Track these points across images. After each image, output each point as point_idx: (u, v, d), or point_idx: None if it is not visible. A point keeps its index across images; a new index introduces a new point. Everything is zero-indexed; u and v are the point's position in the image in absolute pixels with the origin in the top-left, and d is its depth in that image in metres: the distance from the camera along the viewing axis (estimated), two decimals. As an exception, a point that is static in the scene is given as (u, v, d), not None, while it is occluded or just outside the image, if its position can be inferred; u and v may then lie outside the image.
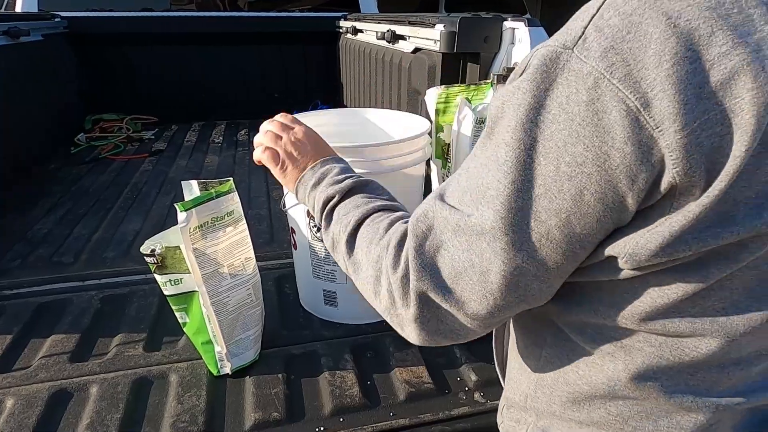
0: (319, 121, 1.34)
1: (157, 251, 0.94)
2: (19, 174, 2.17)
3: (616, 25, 0.39)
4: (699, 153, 0.37)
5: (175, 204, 0.92)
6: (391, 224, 0.59)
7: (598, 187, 0.40)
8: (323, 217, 0.69)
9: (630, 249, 0.42)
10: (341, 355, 1.11)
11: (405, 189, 1.15)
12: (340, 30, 3.03)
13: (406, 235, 0.53)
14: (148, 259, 0.94)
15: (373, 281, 0.56)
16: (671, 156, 0.38)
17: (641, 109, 0.38)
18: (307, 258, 1.19)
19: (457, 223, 0.47)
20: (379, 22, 2.25)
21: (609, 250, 0.44)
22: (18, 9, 2.90)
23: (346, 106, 3.06)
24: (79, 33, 2.90)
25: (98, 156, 2.57)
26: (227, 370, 1.04)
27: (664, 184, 0.39)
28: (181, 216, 0.91)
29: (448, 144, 1.28)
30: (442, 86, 1.28)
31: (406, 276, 0.51)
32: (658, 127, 0.37)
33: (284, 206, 1.16)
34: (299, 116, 1.32)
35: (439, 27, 1.54)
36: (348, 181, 0.70)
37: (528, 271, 0.45)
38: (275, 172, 0.82)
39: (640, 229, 0.42)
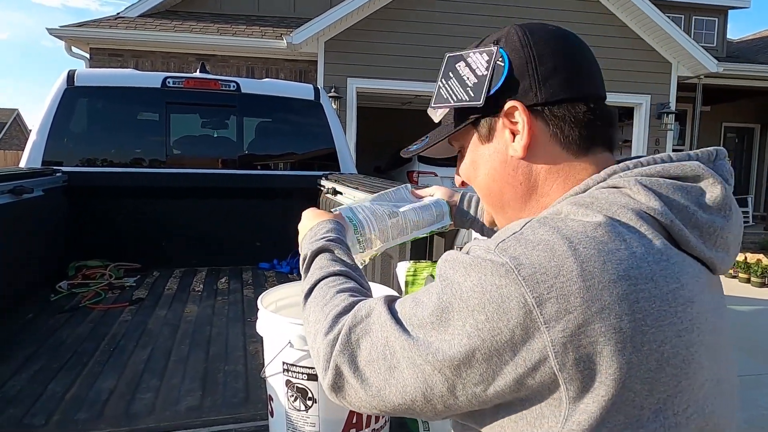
0: (299, 290, 1.48)
1: None
2: (-3, 325, 2.19)
3: (530, 239, 0.51)
4: (578, 352, 0.47)
5: None
6: (338, 293, 0.70)
7: (486, 351, 0.50)
8: (302, 273, 0.84)
9: None
10: None
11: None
12: (322, 188, 3.32)
13: (346, 311, 0.64)
14: None
15: (311, 338, 0.68)
16: (553, 349, 0.47)
17: (535, 306, 0.47)
18: (283, 427, 1.24)
19: (389, 321, 0.58)
20: (356, 188, 2.51)
21: None
22: (23, 162, 3.13)
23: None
24: (77, 186, 3.11)
25: (78, 304, 2.62)
26: None
27: (546, 370, 0.48)
28: None
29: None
30: (411, 261, 1.46)
31: (332, 343, 0.62)
32: (546, 324, 0.47)
33: (264, 374, 1.24)
34: (285, 285, 1.45)
35: (409, 204, 1.77)
36: (319, 243, 0.84)
37: (419, 391, 0.55)
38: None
39: (550, 421, 0.50)
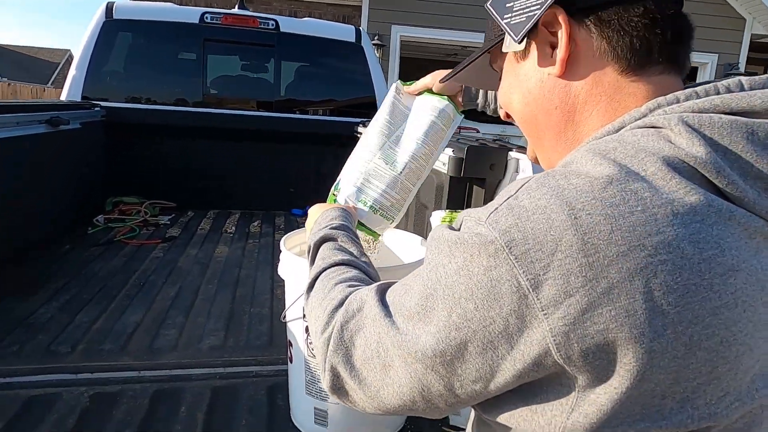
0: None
1: None
2: (32, 253, 2.23)
3: (525, 206, 0.41)
4: (584, 343, 0.39)
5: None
6: (336, 284, 0.65)
7: (479, 344, 0.43)
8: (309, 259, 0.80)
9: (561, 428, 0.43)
10: (326, 483, 1.06)
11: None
12: (358, 135, 3.21)
13: (341, 304, 0.59)
14: None
15: (313, 332, 0.63)
16: (554, 340, 0.39)
17: (531, 289, 0.39)
18: (302, 373, 1.19)
19: (379, 315, 0.51)
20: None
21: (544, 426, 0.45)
22: (63, 97, 3.14)
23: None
24: (115, 122, 3.10)
25: (113, 239, 2.65)
26: None
27: (549, 363, 0.41)
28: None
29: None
30: (447, 210, 1.35)
31: (327, 342, 0.56)
32: (543, 310, 0.39)
33: (284, 318, 1.18)
34: (291, 235, 1.37)
35: (448, 151, 1.64)
36: (321, 232, 0.80)
37: (416, 391, 0.49)
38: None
39: (555, 409, 0.43)
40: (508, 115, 0.64)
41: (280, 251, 1.20)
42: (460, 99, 1.06)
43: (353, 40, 3.52)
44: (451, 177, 1.62)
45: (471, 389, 0.46)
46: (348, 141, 3.36)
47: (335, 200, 1.08)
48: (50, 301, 1.86)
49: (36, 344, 1.54)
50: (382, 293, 0.54)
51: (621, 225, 0.38)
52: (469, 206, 1.64)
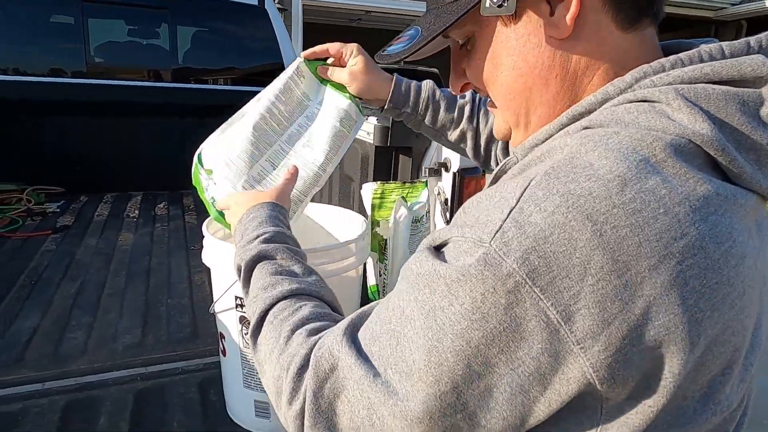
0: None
1: None
2: None
3: (538, 224, 0.36)
4: (628, 368, 0.36)
5: None
6: (293, 330, 0.53)
7: (507, 390, 0.38)
8: (241, 282, 0.66)
9: None
10: (274, 478, 1.01)
11: (340, 295, 1.11)
12: (268, 106, 3.03)
13: (307, 363, 0.48)
14: None
15: (275, 397, 0.52)
16: (596, 374, 0.36)
17: (562, 323, 0.35)
18: (238, 366, 1.10)
19: (364, 376, 0.42)
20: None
21: None
22: None
23: (273, 181, 3.02)
24: None
25: (-9, 233, 2.31)
26: None
27: (587, 390, 0.37)
28: None
29: (386, 239, 1.28)
30: (378, 182, 1.29)
31: (301, 416, 0.47)
32: (579, 344, 0.35)
33: (213, 310, 1.08)
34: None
35: (372, 120, 1.58)
36: (255, 249, 0.65)
37: None
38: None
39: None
40: (464, 89, 0.57)
41: (195, 234, 1.09)
42: (381, 92, 0.90)
43: (255, 2, 3.28)
44: (376, 147, 1.57)
45: None
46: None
47: (206, 185, 0.91)
48: None
49: None
50: (354, 340, 0.45)
51: (648, 235, 0.35)
52: (395, 176, 1.60)
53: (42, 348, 1.43)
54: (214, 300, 1.06)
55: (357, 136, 1.74)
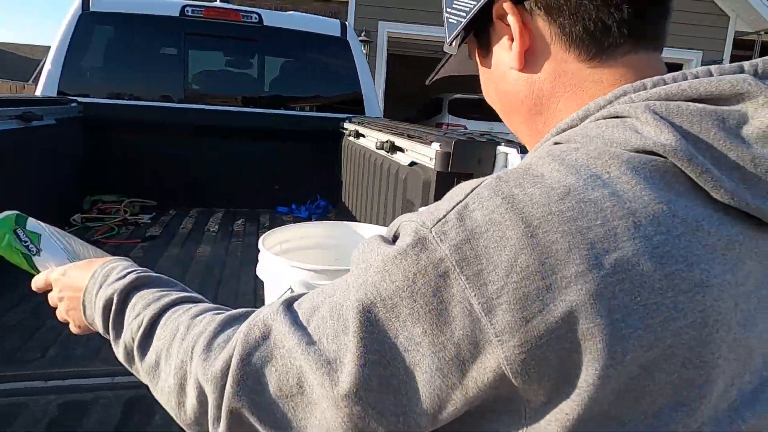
0: (310, 232, 1.34)
1: None
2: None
3: (477, 219, 0.37)
4: (543, 366, 0.36)
5: None
6: (194, 317, 0.52)
7: (428, 372, 0.38)
8: (109, 328, 0.59)
9: None
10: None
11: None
12: (344, 131, 3.15)
13: (220, 333, 0.48)
14: None
15: (177, 391, 0.50)
16: (510, 368, 0.36)
17: (483, 314, 0.36)
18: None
19: (298, 345, 0.42)
20: (380, 130, 2.33)
21: None
22: (38, 92, 3.03)
23: (344, 204, 3.11)
24: (92, 117, 3.01)
25: (91, 238, 2.56)
26: None
27: (503, 388, 0.37)
28: None
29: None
30: None
31: (222, 386, 0.45)
32: (497, 336, 0.36)
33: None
34: (290, 227, 1.32)
35: (435, 146, 1.59)
36: (131, 276, 0.60)
37: (354, 418, 0.41)
38: (74, 325, 0.71)
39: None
40: None
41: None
42: None
43: (338, 34, 3.45)
44: (438, 172, 1.57)
45: (415, 423, 0.40)
46: (334, 136, 3.33)
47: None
48: (19, 305, 1.77)
49: (4, 349, 1.47)
50: (290, 311, 0.45)
51: (579, 243, 0.35)
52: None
53: (117, 345, 1.55)
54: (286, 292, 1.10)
55: (419, 161, 1.76)
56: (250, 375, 0.44)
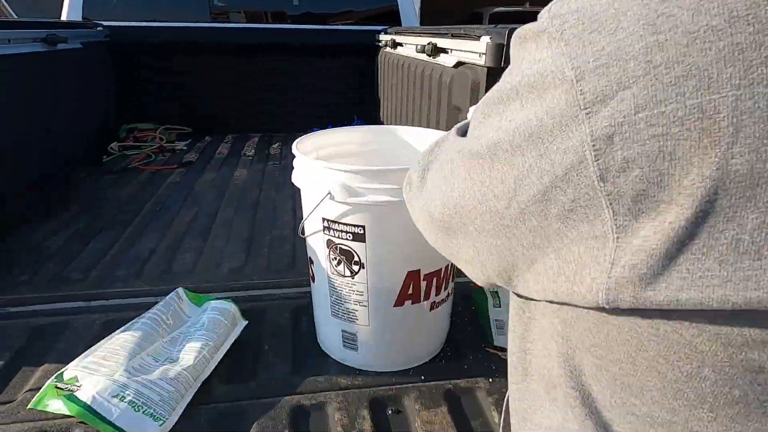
0: (349, 137, 1.22)
1: None
2: (45, 182, 2.13)
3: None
4: (631, 151, 0.29)
5: None
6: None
7: (508, 146, 0.36)
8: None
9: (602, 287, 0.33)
10: (358, 410, 0.95)
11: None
12: (380, 44, 2.93)
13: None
14: None
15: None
16: (593, 145, 0.31)
17: (575, 81, 0.31)
18: (326, 293, 1.05)
19: (457, 139, 0.45)
20: (419, 35, 2.12)
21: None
22: (63, 17, 2.93)
23: (383, 122, 2.94)
24: (120, 42, 2.90)
25: (128, 165, 2.53)
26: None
27: (582, 181, 0.32)
28: None
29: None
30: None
31: (409, 185, 0.54)
32: (586, 108, 0.31)
33: (302, 232, 1.03)
34: (327, 131, 1.19)
35: (485, 39, 1.39)
36: None
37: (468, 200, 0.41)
38: None
39: (593, 271, 0.33)
40: None
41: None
42: None
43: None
44: (488, 69, 1.39)
45: (493, 207, 0.38)
46: (369, 51, 3.11)
47: (66, 396, 0.92)
48: (63, 229, 1.76)
49: (47, 272, 1.46)
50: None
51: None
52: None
53: (157, 266, 1.52)
54: (303, 219, 1.00)
55: (466, 60, 1.57)
56: (433, 151, 0.51)
